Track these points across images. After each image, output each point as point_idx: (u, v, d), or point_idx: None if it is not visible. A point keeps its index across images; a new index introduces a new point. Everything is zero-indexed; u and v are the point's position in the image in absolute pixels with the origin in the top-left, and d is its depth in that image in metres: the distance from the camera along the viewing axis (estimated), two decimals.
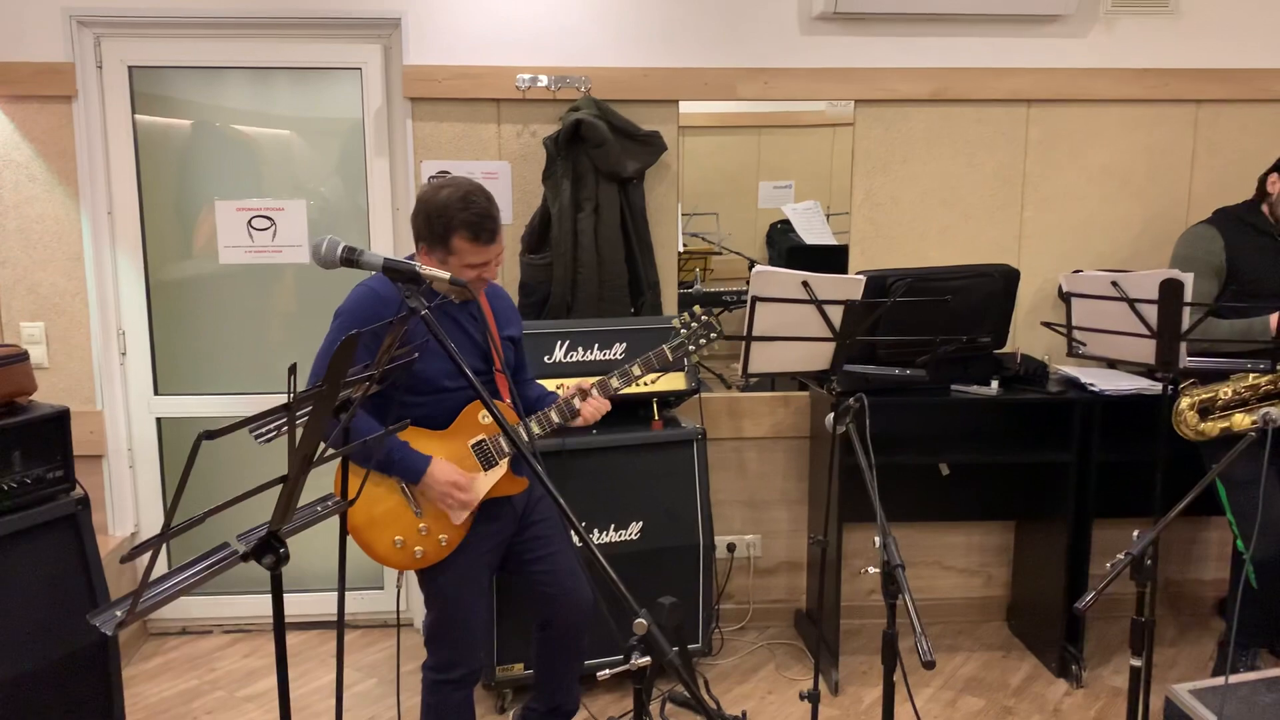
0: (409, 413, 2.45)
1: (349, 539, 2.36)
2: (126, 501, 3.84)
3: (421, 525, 2.50)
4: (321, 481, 2.14)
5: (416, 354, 1.91)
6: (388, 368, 1.63)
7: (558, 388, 2.85)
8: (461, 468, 2.53)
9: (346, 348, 1.40)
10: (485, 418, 2.56)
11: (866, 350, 3.36)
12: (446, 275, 1.91)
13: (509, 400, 2.62)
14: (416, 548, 2.50)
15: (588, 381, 2.67)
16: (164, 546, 1.32)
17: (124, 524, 3.83)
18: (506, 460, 2.59)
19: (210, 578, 1.39)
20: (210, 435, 1.23)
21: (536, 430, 2.60)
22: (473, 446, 2.56)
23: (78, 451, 3.14)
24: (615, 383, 2.66)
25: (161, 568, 3.57)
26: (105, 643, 3.03)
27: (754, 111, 5.02)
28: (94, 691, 2.93)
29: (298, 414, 1.46)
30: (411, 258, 2.43)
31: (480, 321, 2.57)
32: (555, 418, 2.62)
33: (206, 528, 1.53)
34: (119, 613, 1.27)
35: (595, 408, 2.64)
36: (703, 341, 2.74)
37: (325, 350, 2.50)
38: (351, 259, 1.89)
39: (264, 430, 1.61)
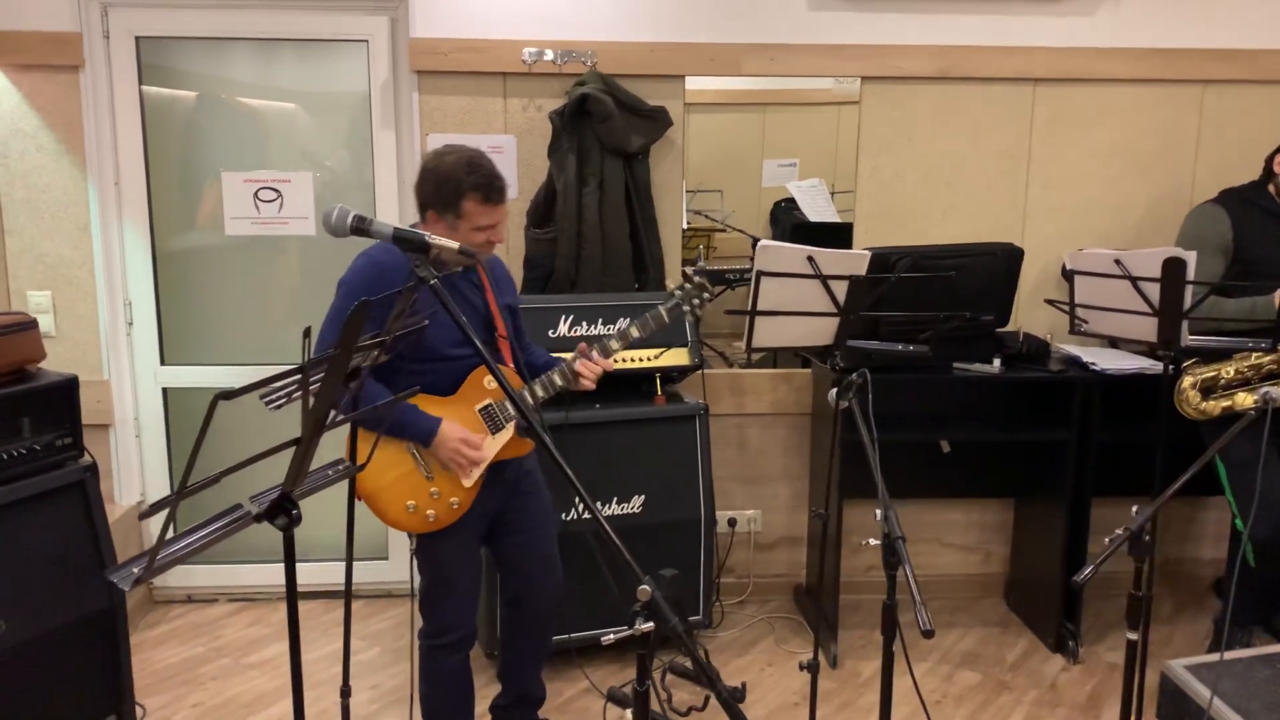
0: (415, 380, 2.46)
1: (360, 504, 2.39)
2: (133, 470, 3.87)
3: (433, 489, 2.54)
4: (328, 451, 2.16)
5: (427, 321, 1.92)
6: (398, 334, 1.64)
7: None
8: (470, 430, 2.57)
9: (358, 314, 1.42)
10: (490, 383, 2.59)
11: (869, 326, 3.37)
12: (456, 245, 1.93)
13: (513, 365, 2.67)
14: (429, 511, 2.54)
15: (587, 345, 2.69)
16: (173, 511, 1.34)
17: (130, 493, 3.86)
18: (513, 424, 2.63)
19: (224, 537, 1.42)
20: (226, 396, 1.25)
21: (540, 394, 2.63)
22: (480, 411, 2.60)
23: (85, 421, 3.15)
24: (614, 344, 2.68)
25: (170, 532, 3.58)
26: (113, 609, 3.06)
27: (759, 89, 5.02)
28: (102, 657, 2.96)
29: (311, 378, 1.48)
30: (415, 227, 2.46)
31: (481, 290, 2.62)
32: (558, 380, 2.65)
33: (214, 493, 1.55)
34: (135, 569, 1.30)
35: (593, 369, 2.65)
36: (696, 302, 2.75)
37: (332, 319, 2.52)
38: (362, 228, 1.91)
39: (276, 396, 1.63)
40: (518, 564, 2.80)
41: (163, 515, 1.27)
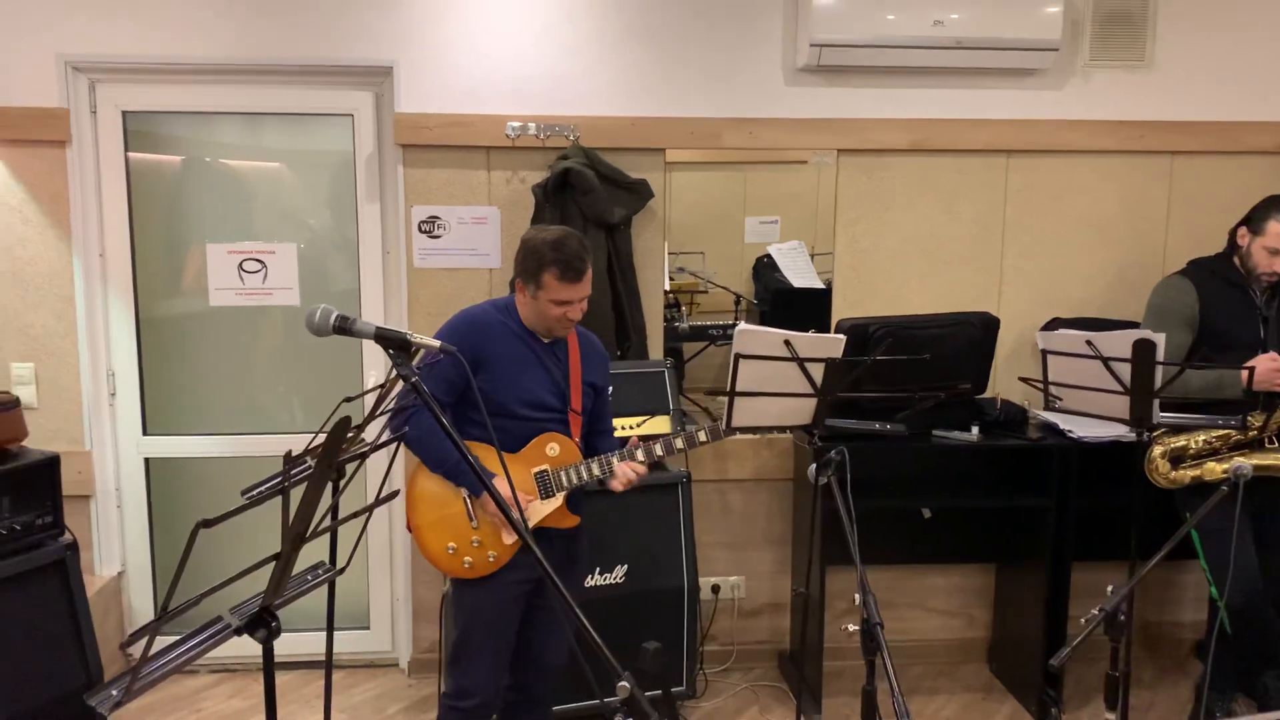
0: (482, 433, 2.57)
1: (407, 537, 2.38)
2: (113, 541, 3.85)
3: (475, 538, 2.66)
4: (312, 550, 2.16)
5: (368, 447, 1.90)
6: (342, 459, 1.62)
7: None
8: (521, 490, 2.67)
9: (340, 429, 1.44)
10: (553, 449, 2.72)
11: (847, 400, 3.40)
12: (437, 344, 1.95)
13: (577, 440, 2.79)
14: (466, 558, 2.66)
15: (639, 439, 2.79)
16: (152, 638, 1.33)
17: (110, 564, 3.84)
18: (563, 495, 2.73)
19: (204, 652, 1.43)
20: (208, 524, 1.27)
21: (597, 472, 2.75)
22: (535, 474, 2.72)
23: (65, 492, 3.16)
24: (658, 449, 2.79)
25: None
26: (91, 685, 3.04)
27: (739, 147, 5.10)
28: None
29: (295, 478, 1.50)
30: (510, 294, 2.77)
31: (563, 362, 2.76)
32: (595, 470, 2.75)
33: (194, 581, 1.55)
34: (115, 692, 1.31)
35: (627, 473, 2.74)
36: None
37: (424, 375, 2.53)
38: (344, 328, 1.93)
39: (257, 494, 1.64)
40: (535, 627, 2.84)
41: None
